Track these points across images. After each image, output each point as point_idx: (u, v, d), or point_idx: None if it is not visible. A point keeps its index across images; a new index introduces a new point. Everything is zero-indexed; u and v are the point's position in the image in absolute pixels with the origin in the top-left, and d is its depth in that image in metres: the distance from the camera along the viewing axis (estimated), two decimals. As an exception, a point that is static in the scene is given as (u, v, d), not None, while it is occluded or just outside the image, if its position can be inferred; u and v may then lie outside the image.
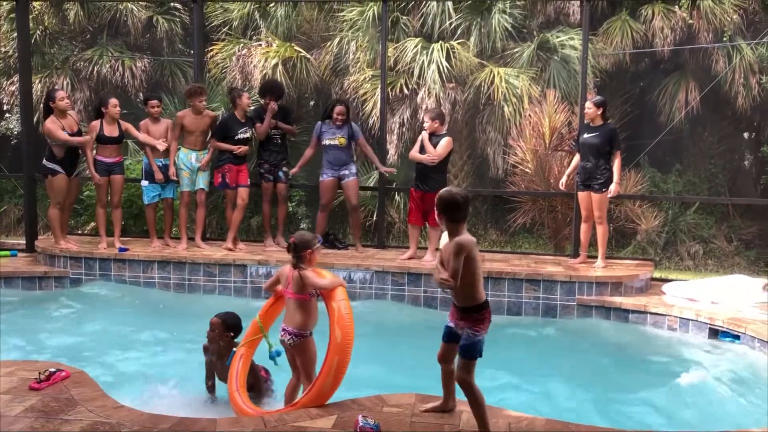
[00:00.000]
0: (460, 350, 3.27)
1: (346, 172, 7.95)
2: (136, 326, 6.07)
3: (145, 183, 7.73)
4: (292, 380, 4.07)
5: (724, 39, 12.11)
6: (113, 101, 7.51)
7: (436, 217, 3.37)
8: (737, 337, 5.70)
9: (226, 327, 4.31)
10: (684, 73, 12.51)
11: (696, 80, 12.28)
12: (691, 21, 11.99)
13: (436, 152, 7.25)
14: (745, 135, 14.43)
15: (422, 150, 7.38)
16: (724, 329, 5.83)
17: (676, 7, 12.04)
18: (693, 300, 6.47)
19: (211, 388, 4.41)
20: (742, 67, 11.90)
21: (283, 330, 3.93)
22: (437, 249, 7.53)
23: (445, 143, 7.30)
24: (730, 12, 11.82)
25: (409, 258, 7.42)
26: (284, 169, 8.00)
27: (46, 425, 3.28)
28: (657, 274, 7.83)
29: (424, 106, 11.46)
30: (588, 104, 7.24)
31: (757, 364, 5.28)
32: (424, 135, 7.42)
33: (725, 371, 5.19)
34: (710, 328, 5.95)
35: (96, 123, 7.50)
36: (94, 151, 7.64)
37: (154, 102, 7.73)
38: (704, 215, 12.31)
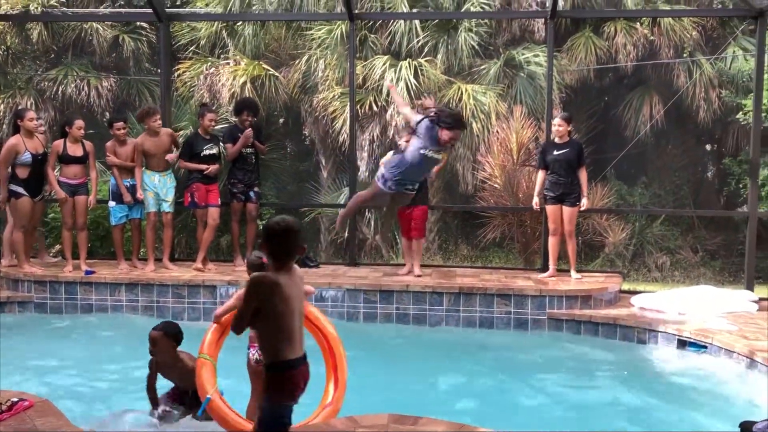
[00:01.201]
0: (256, 422, 2.79)
1: None
2: (100, 353, 5.95)
3: (112, 204, 7.61)
4: (254, 402, 4.02)
5: (684, 55, 12.43)
6: (79, 123, 7.40)
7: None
8: (704, 348, 5.78)
9: (169, 337, 4.13)
10: (647, 88, 12.80)
11: (659, 95, 12.58)
12: (652, 37, 12.29)
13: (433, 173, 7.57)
14: (708, 147, 14.78)
15: None
16: (692, 340, 5.91)
17: (638, 24, 12.33)
18: (661, 311, 6.56)
19: (153, 401, 4.26)
20: (703, 82, 12.23)
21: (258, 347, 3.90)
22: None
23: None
24: (689, 29, 12.16)
25: (407, 273, 7.47)
26: (256, 189, 7.95)
27: (9, 457, 3.19)
28: (625, 286, 7.92)
29: (393, 123, 11.53)
30: (558, 121, 7.35)
31: (724, 374, 5.36)
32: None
33: (693, 381, 5.27)
34: (678, 339, 6.03)
35: (59, 142, 7.39)
36: (58, 172, 7.51)
37: (120, 124, 7.63)
38: (670, 227, 12.55)
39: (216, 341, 4.09)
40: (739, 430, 3.02)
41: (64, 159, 7.37)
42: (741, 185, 12.32)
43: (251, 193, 7.91)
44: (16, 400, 3.71)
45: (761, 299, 7.01)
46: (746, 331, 5.84)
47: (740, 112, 11.88)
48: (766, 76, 7.99)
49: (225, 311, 4.05)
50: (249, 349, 4.00)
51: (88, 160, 7.49)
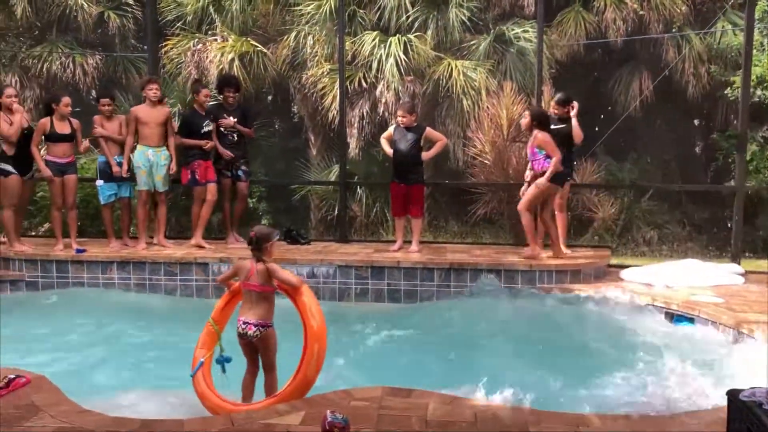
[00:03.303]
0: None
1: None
2: (91, 328, 5.96)
3: (100, 182, 7.56)
4: (248, 375, 4.11)
5: (674, 29, 12.43)
6: (66, 100, 7.31)
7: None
8: (691, 320, 5.87)
9: None
10: (636, 63, 12.81)
11: (648, 70, 12.59)
12: (642, 12, 12.27)
13: (432, 153, 7.58)
14: (696, 122, 14.85)
15: (399, 142, 7.46)
16: (679, 313, 6.00)
17: (628, -2, 12.31)
18: (649, 285, 6.64)
19: None
20: (692, 57, 12.26)
21: (245, 323, 3.97)
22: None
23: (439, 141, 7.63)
24: (678, 3, 12.15)
25: (398, 249, 7.50)
26: (243, 168, 7.93)
27: (8, 433, 3.22)
28: (614, 261, 8.00)
29: (383, 100, 11.51)
30: (553, 104, 7.51)
31: (711, 346, 5.45)
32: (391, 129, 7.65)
33: (681, 354, 5.35)
34: (666, 312, 6.12)
35: (46, 120, 7.29)
36: (44, 151, 7.43)
37: (106, 100, 7.57)
38: (658, 201, 12.64)
39: (222, 306, 4.26)
40: (726, 398, 3.09)
41: (52, 137, 7.28)
42: (729, 160, 12.40)
43: (239, 172, 7.89)
44: (13, 376, 3.74)
45: (747, 272, 7.11)
46: (732, 303, 5.93)
47: (729, 88, 11.94)
48: (754, 51, 8.02)
49: (226, 277, 4.26)
50: (238, 322, 4.05)
51: (75, 138, 7.42)
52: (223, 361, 4.12)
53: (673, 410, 4.09)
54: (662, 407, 4.24)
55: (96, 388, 4.52)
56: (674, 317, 6.04)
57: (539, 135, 6.93)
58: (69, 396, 3.73)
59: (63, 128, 7.32)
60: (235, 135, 7.83)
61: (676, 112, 13.50)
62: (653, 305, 6.23)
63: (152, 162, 7.45)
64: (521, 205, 7.10)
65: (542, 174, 6.93)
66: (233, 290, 4.27)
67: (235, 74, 10.88)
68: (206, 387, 4.04)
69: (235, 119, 7.78)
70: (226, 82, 8.11)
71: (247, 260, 4.10)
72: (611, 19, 12.17)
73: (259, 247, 4.04)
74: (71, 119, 7.41)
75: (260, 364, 4.08)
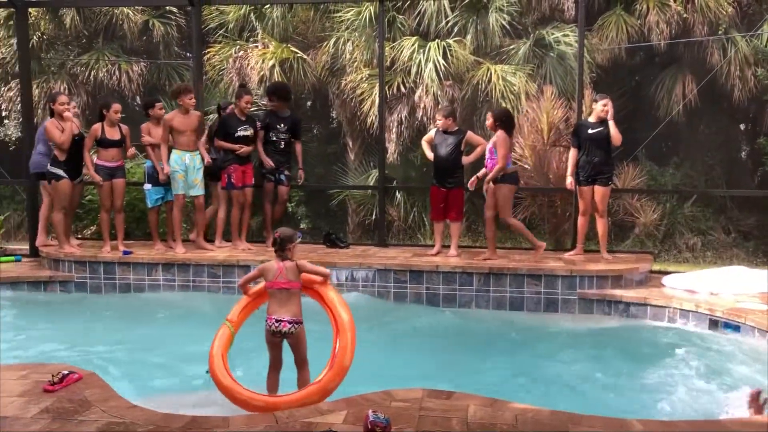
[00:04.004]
0: None
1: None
2: (139, 328, 6.13)
3: (148, 186, 7.76)
4: (272, 373, 4.21)
5: (719, 32, 12.19)
6: (116, 107, 7.53)
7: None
8: (737, 328, 5.76)
9: None
10: (680, 66, 12.60)
11: (692, 73, 12.38)
12: (685, 15, 12.08)
13: (472, 158, 7.70)
14: (742, 127, 14.53)
15: (439, 146, 7.52)
16: (724, 320, 5.89)
17: (671, 0, 12.12)
18: (692, 291, 6.53)
19: None
20: (738, 60, 12.02)
21: (278, 320, 4.07)
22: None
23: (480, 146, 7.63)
24: (724, 5, 11.92)
25: (437, 253, 7.52)
26: (286, 173, 8.07)
27: (63, 426, 3.33)
28: (656, 267, 7.89)
29: (421, 105, 11.55)
30: (605, 101, 7.27)
31: (757, 354, 5.34)
32: (432, 133, 7.71)
33: (725, 362, 5.26)
34: (710, 319, 6.01)
35: (97, 126, 7.52)
36: (94, 155, 7.67)
37: (161, 104, 7.85)
38: (702, 207, 12.41)
39: (240, 309, 4.36)
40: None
41: (103, 143, 7.50)
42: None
43: (282, 177, 8.02)
44: (66, 372, 3.87)
45: (796, 279, 6.93)
46: (780, 310, 5.80)
47: (776, 91, 11.68)
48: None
49: (248, 279, 4.35)
50: (266, 320, 4.14)
51: (124, 143, 7.63)
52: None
53: (718, 416, 4.03)
54: (707, 413, 4.18)
55: (144, 386, 4.64)
56: (719, 324, 5.93)
57: (500, 136, 7.01)
58: (118, 392, 3.84)
59: (113, 134, 7.53)
60: (282, 142, 7.97)
61: (721, 115, 13.24)
62: (697, 312, 6.12)
63: (188, 166, 7.60)
64: (501, 218, 7.24)
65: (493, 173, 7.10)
66: (253, 293, 4.37)
67: (285, 83, 10.98)
68: (235, 385, 4.11)
69: (285, 126, 7.96)
70: (270, 90, 8.31)
71: (272, 261, 4.22)
72: (654, 22, 12.01)
73: (283, 247, 4.17)
74: (121, 125, 7.62)
75: (283, 363, 4.20)
